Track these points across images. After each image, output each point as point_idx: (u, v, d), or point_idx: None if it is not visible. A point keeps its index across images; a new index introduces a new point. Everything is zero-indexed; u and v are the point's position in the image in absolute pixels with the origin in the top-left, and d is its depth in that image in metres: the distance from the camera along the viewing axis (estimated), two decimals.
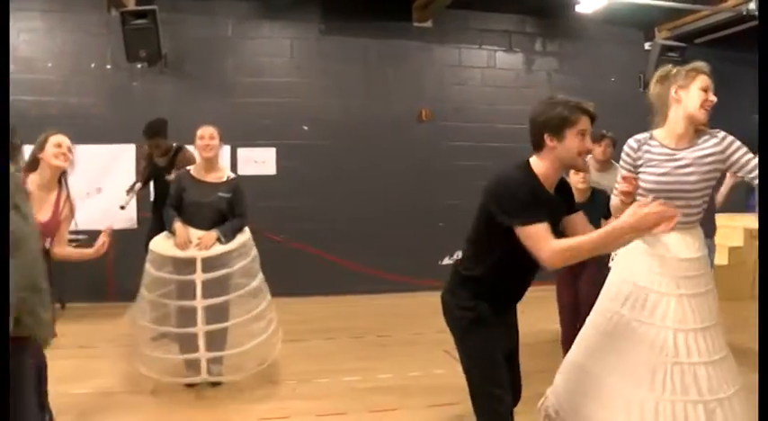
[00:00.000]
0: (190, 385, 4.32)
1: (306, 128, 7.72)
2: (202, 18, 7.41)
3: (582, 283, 4.71)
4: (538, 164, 2.51)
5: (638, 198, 2.79)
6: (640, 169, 2.88)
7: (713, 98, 2.79)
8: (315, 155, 7.69)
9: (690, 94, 2.79)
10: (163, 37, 6.81)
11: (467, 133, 8.05)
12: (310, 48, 7.80)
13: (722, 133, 2.85)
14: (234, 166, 7.39)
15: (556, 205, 2.56)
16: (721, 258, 7.40)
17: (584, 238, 2.39)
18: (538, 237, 2.35)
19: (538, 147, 2.51)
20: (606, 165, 5.19)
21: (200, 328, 4.10)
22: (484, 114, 8.18)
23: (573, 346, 3.03)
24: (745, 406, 2.71)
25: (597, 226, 4.74)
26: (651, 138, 2.89)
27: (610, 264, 3.16)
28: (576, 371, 2.91)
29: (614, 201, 2.97)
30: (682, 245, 2.78)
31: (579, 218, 2.70)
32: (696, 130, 2.84)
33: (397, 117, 7.89)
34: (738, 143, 2.81)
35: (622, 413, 2.63)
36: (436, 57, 8.12)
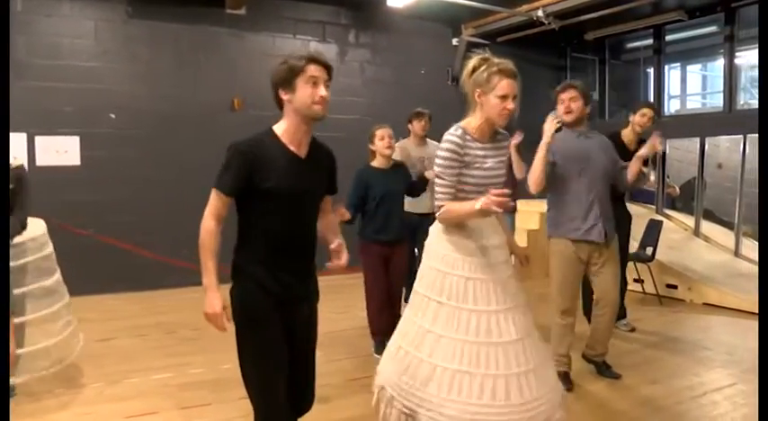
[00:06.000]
0: None
1: (113, 116, 7.32)
2: None
3: (394, 272, 4.91)
4: (281, 125, 2.50)
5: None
6: (465, 164, 2.88)
7: (511, 106, 2.81)
8: (122, 144, 7.33)
9: (490, 102, 2.82)
10: None
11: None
12: (117, 31, 7.38)
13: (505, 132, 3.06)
14: (32, 156, 6.88)
15: (303, 166, 2.51)
16: (520, 240, 8.03)
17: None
18: (210, 205, 2.48)
19: (280, 107, 2.50)
20: (424, 140, 5.94)
21: None
22: None
23: (396, 333, 3.02)
24: (552, 371, 3.00)
25: (400, 197, 5.01)
26: (465, 133, 2.88)
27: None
28: (402, 354, 2.90)
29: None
30: (492, 231, 2.94)
31: (328, 200, 2.76)
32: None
33: (208, 106, 7.72)
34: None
35: (447, 386, 2.69)
36: (249, 45, 8.02)
